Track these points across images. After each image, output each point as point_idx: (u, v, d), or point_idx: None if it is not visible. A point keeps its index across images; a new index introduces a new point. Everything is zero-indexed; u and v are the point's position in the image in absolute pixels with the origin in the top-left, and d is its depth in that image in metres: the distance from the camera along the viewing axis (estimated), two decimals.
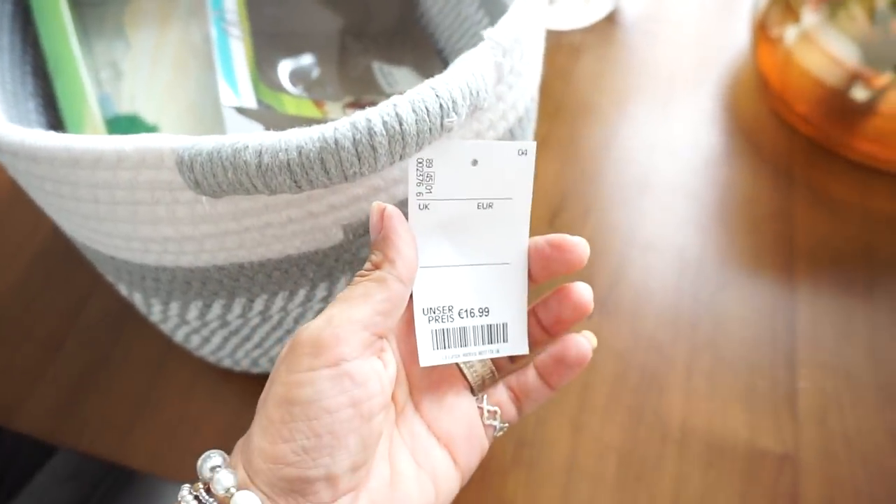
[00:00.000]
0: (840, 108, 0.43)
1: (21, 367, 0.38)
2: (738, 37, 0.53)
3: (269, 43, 0.39)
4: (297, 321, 0.31)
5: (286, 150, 0.19)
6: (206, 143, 0.20)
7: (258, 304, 0.29)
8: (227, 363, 0.35)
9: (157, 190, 0.22)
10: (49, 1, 0.36)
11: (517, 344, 0.25)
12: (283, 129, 0.34)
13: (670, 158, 0.46)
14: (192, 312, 0.30)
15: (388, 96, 0.40)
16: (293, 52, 0.40)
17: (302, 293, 0.29)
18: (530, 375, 0.26)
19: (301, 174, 0.19)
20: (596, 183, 0.45)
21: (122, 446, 0.35)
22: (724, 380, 0.36)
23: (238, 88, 0.34)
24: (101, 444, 0.35)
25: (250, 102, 0.34)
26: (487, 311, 0.25)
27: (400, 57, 0.44)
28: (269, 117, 0.33)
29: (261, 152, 0.19)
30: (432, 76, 0.47)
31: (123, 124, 0.39)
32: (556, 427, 0.34)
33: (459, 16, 0.44)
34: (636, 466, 0.33)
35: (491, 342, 0.25)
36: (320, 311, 0.31)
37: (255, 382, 0.36)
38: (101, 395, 0.37)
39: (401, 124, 0.20)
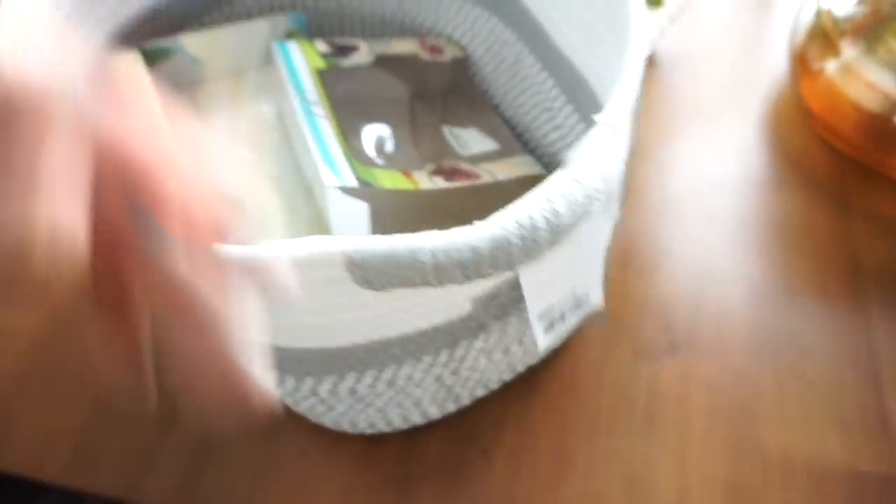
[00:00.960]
0: (886, 134, 0.45)
1: (139, 441, 0.40)
2: (773, 68, 0.56)
3: (349, 117, 0.42)
4: (418, 385, 0.33)
5: (459, 250, 0.21)
6: (378, 245, 0.22)
7: (387, 374, 0.31)
8: (345, 426, 0.37)
9: (322, 286, 0.24)
10: None
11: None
12: (383, 203, 0.37)
13: (726, 192, 0.48)
14: (325, 386, 0.32)
15: (463, 159, 0.43)
16: (371, 121, 0.42)
17: (427, 360, 0.31)
18: None
19: (473, 270, 0.22)
20: (660, 222, 0.47)
21: None
22: (814, 405, 0.37)
23: (337, 168, 0.37)
24: None
25: (350, 181, 0.36)
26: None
27: (459, 116, 0.47)
28: (370, 194, 0.36)
29: (435, 253, 0.21)
30: (498, 135, 0.48)
31: None
32: (662, 463, 0.36)
33: (517, 75, 0.47)
34: (744, 497, 0.35)
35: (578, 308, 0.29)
36: (439, 375, 0.33)
37: (368, 443, 0.38)
38: (219, 467, 0.38)
39: (557, 217, 0.22)
